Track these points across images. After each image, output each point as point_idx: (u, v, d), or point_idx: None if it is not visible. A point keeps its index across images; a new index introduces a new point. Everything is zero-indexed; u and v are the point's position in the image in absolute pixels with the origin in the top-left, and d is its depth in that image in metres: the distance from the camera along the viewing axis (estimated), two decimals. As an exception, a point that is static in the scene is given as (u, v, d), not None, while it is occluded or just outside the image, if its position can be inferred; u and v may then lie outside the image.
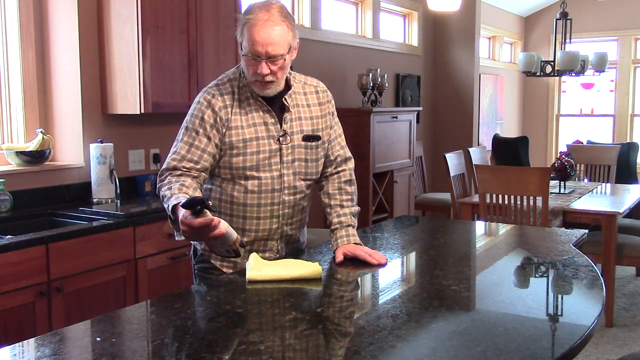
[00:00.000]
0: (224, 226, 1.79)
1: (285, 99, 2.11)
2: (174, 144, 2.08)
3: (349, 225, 2.17)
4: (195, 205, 1.72)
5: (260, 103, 2.08)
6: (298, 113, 2.14)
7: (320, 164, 2.20)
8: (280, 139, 2.09)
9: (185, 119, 2.10)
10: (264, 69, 1.97)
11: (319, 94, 2.21)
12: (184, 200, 1.75)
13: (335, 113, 2.28)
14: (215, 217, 1.76)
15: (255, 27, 1.94)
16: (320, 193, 2.26)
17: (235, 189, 2.09)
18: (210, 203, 1.75)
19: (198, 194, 1.97)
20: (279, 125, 2.09)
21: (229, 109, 2.05)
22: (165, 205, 1.93)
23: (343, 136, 2.29)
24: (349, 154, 2.29)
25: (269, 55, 1.95)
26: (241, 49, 2.01)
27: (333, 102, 2.26)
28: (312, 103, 2.18)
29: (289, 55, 2.02)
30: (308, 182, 2.18)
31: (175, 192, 1.90)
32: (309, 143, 2.14)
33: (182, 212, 1.77)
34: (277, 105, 2.11)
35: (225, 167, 2.08)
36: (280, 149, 2.09)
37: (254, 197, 2.09)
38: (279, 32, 1.95)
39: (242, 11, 3.79)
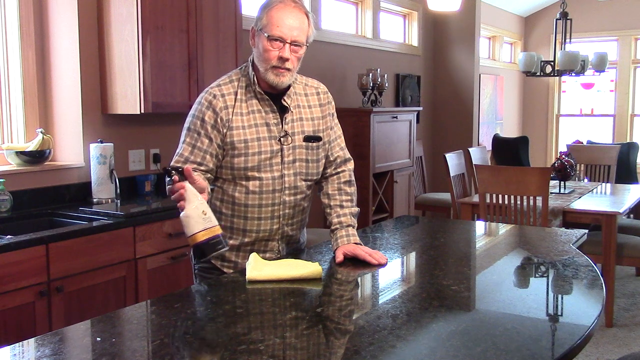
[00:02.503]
0: (189, 194, 1.79)
1: (284, 100, 2.11)
2: (179, 145, 2.09)
3: (349, 226, 2.16)
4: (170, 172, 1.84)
5: (264, 103, 2.08)
6: (299, 114, 2.14)
7: (321, 165, 2.20)
8: (282, 139, 2.09)
9: (187, 119, 2.10)
10: (287, 52, 1.99)
11: (319, 95, 2.21)
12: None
13: (335, 114, 2.28)
14: (181, 182, 1.80)
15: (284, 10, 1.99)
16: (320, 194, 2.26)
17: (237, 190, 2.10)
18: (177, 167, 1.84)
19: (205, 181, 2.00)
20: (280, 126, 2.09)
21: (230, 110, 2.06)
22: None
23: (342, 137, 2.30)
24: (348, 155, 2.30)
25: (294, 39, 2.00)
26: (260, 32, 2.01)
27: (333, 103, 2.27)
28: (313, 104, 2.18)
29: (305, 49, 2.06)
30: (309, 183, 2.18)
31: None
32: (310, 144, 2.15)
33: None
34: (277, 106, 2.11)
35: (227, 168, 2.08)
36: (282, 150, 2.09)
37: (255, 198, 2.09)
38: (304, 21, 2.03)
39: (242, 10, 3.83)
